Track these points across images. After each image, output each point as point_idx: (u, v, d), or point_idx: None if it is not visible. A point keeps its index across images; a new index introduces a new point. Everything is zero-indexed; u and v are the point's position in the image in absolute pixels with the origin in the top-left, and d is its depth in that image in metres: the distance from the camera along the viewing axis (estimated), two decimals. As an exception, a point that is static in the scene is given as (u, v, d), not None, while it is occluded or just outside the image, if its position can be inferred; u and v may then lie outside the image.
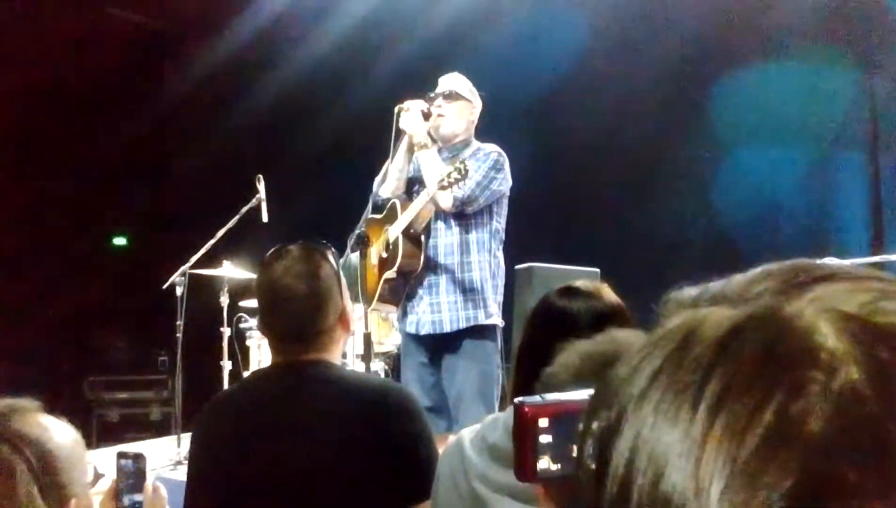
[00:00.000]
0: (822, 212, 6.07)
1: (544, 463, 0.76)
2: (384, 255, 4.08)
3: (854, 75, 5.87)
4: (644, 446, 0.43)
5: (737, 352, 0.42)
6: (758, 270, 0.48)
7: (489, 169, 3.91)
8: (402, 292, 4.09)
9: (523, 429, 0.75)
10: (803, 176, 6.07)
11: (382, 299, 4.12)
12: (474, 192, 3.83)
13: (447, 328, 3.94)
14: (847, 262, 4.24)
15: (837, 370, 0.40)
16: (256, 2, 7.28)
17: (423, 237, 4.00)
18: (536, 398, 0.77)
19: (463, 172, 3.64)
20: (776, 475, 0.39)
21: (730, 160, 6.23)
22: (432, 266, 3.99)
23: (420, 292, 4.02)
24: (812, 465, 0.38)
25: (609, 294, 1.81)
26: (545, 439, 0.75)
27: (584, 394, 0.75)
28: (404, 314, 4.12)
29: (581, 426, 0.49)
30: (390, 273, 4.02)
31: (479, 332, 3.95)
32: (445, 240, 3.98)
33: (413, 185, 4.15)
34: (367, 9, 6.88)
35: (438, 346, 4.02)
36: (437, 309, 3.97)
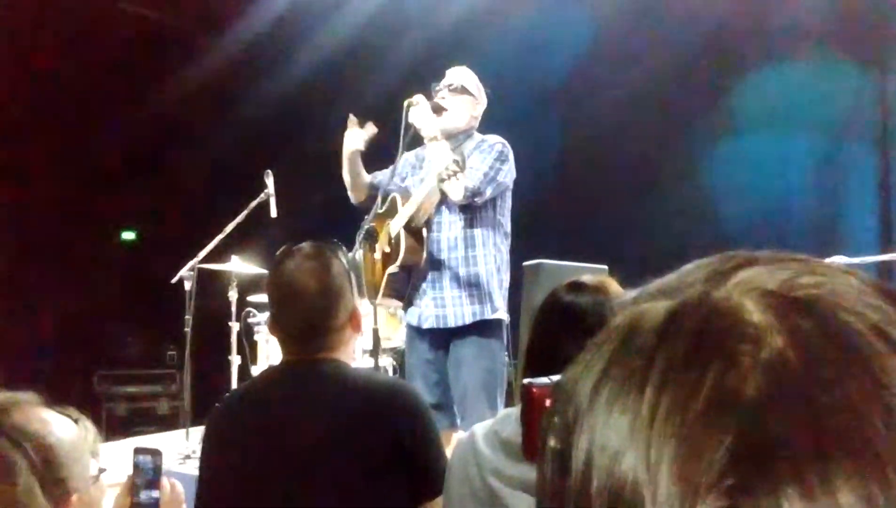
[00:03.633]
0: (831, 210, 6.05)
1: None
2: (387, 249, 4.05)
3: (864, 72, 5.85)
4: (600, 438, 0.46)
5: (674, 335, 0.47)
6: (690, 264, 0.53)
7: (494, 160, 3.89)
8: (405, 286, 4.07)
9: (532, 410, 0.78)
10: (812, 174, 6.05)
11: (387, 294, 4.12)
12: (482, 183, 3.81)
13: (451, 324, 3.92)
14: (856, 260, 4.23)
15: (764, 341, 0.44)
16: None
17: (424, 231, 3.98)
18: (544, 380, 0.79)
19: (461, 164, 3.62)
20: (717, 438, 0.42)
21: (738, 157, 6.21)
22: (436, 261, 3.97)
23: (423, 286, 3.99)
24: (747, 425, 0.42)
25: (616, 289, 1.80)
26: None
27: None
28: (408, 306, 4.11)
29: (542, 432, 0.52)
30: (393, 268, 3.99)
31: (485, 327, 3.93)
32: (449, 234, 3.96)
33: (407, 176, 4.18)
34: (375, 5, 6.89)
35: (443, 342, 3.99)
36: (442, 304, 3.94)
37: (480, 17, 6.64)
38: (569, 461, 0.48)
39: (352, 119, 4.25)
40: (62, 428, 1.37)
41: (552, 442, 0.50)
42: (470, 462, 1.78)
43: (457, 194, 3.80)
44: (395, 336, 5.41)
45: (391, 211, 4.06)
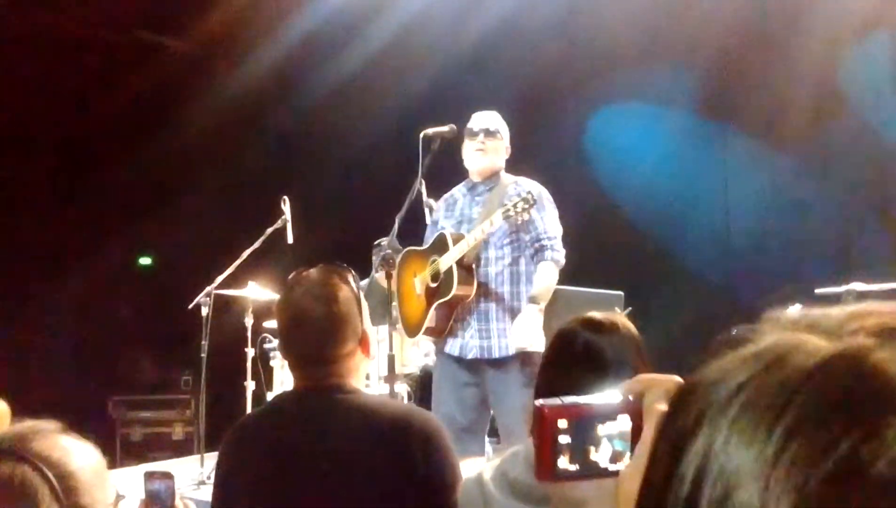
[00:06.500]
0: (849, 238, 6.00)
1: (563, 463, 0.79)
2: (433, 285, 4.18)
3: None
4: (716, 457, 0.45)
5: (821, 384, 0.44)
6: (861, 306, 0.50)
7: (551, 212, 4.17)
8: (447, 320, 4.18)
9: (543, 430, 0.79)
10: (831, 202, 6.01)
11: (429, 331, 4.22)
12: (560, 243, 4.15)
13: (496, 355, 4.07)
14: (874, 287, 4.19)
15: None
16: (282, 24, 7.35)
17: (473, 266, 4.12)
18: (556, 401, 0.80)
19: (531, 201, 3.83)
20: (839, 505, 0.40)
21: (754, 185, 6.20)
22: (483, 294, 4.12)
23: (468, 318, 4.13)
24: (870, 504, 0.40)
25: (628, 325, 1.82)
26: (564, 440, 0.78)
27: (601, 397, 0.80)
28: (447, 337, 4.20)
29: (663, 421, 0.52)
30: (443, 302, 4.12)
31: (527, 357, 4.02)
32: (496, 269, 4.13)
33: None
34: (392, 32, 6.93)
35: (482, 370, 4.12)
36: (486, 335, 4.09)
37: (498, 48, 6.66)
38: (678, 465, 0.47)
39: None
40: (83, 455, 1.38)
41: (669, 431, 0.50)
42: (477, 503, 1.78)
43: (560, 260, 4.13)
44: (411, 362, 5.40)
45: (440, 247, 4.18)
